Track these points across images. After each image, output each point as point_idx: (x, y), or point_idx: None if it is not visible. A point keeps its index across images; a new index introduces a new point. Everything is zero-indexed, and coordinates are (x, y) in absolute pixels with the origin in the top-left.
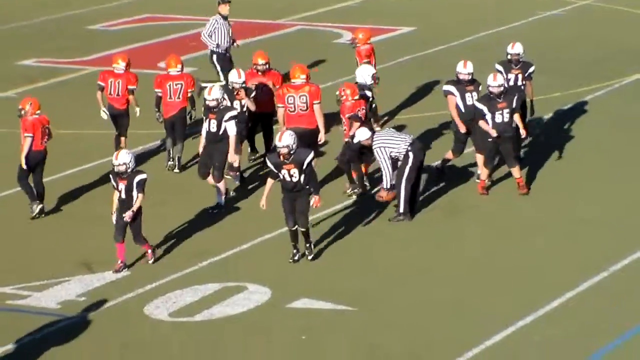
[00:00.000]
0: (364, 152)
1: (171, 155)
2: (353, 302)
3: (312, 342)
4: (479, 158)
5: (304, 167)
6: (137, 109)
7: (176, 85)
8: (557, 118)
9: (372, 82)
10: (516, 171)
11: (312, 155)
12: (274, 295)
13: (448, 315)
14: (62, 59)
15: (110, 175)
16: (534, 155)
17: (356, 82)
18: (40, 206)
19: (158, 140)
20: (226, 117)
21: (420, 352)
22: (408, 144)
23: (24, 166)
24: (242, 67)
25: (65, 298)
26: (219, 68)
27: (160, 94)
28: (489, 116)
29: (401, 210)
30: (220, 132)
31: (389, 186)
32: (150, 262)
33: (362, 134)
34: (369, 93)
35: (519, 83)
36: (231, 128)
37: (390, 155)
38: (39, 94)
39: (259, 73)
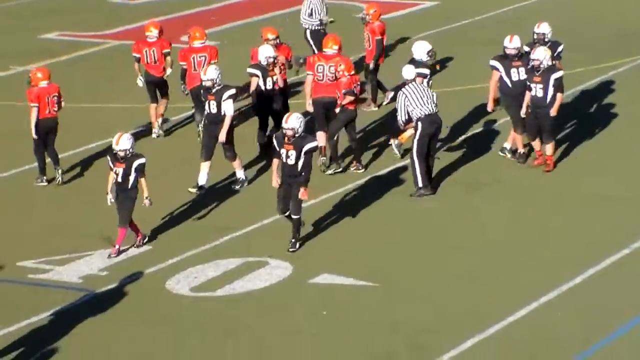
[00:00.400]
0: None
1: (200, 127)
2: (374, 278)
3: (333, 317)
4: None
5: (302, 152)
6: (169, 70)
7: (200, 57)
8: (582, 95)
9: (428, 58)
10: (549, 148)
11: (314, 145)
12: (295, 270)
13: (470, 291)
14: (84, 32)
15: (108, 157)
16: (558, 131)
17: (412, 59)
18: (59, 174)
19: (184, 113)
20: (224, 96)
21: (442, 328)
22: (423, 114)
23: (34, 136)
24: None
25: (87, 272)
26: (313, 44)
27: (185, 67)
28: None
29: (419, 184)
30: (221, 112)
31: (403, 120)
32: (137, 244)
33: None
34: (425, 70)
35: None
36: (228, 108)
37: (407, 110)
38: (61, 68)
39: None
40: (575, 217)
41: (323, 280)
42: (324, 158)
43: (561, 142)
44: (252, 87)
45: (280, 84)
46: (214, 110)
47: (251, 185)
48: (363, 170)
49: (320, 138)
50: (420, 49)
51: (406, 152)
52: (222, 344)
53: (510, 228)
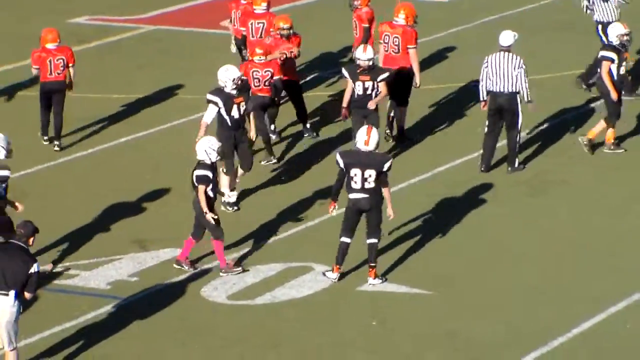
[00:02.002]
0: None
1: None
2: (429, 286)
3: (383, 328)
4: None
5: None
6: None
7: (258, 24)
8: None
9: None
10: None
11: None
12: (342, 276)
13: (534, 300)
14: (116, 17)
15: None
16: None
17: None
18: (56, 144)
19: None
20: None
21: (502, 340)
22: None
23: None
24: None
25: (115, 278)
26: None
27: (244, 32)
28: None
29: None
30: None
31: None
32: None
33: None
34: (612, 55)
35: None
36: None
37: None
38: (91, 54)
39: (284, 38)
40: None
41: (373, 287)
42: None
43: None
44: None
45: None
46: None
47: (290, 188)
48: (274, 161)
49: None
50: (614, 32)
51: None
52: (262, 357)
53: (579, 232)
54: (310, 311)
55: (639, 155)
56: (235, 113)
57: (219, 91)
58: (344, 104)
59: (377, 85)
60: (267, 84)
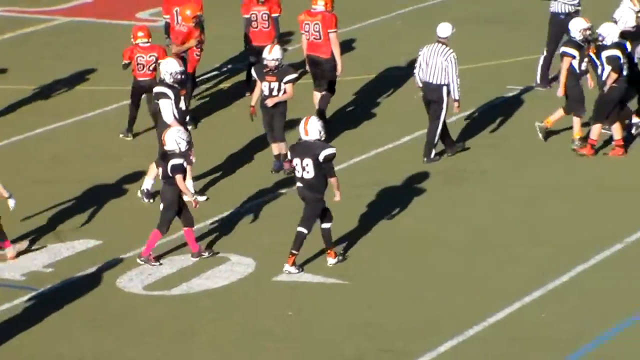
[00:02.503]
0: None
1: None
2: (345, 275)
3: (299, 318)
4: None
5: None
6: None
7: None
8: None
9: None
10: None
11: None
12: (258, 267)
13: (450, 289)
14: (30, 8)
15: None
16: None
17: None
18: None
19: None
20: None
21: (418, 330)
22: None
23: None
24: None
25: (30, 269)
26: None
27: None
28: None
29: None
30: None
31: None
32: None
33: None
34: (573, 51)
35: None
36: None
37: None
38: (4, 46)
39: (259, 2)
40: (565, 209)
41: (289, 277)
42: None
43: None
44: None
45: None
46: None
47: (208, 180)
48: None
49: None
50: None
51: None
52: (177, 347)
53: (496, 222)
54: (226, 301)
55: (555, 145)
56: (182, 105)
57: (166, 84)
58: (252, 103)
59: (284, 87)
60: (150, 68)
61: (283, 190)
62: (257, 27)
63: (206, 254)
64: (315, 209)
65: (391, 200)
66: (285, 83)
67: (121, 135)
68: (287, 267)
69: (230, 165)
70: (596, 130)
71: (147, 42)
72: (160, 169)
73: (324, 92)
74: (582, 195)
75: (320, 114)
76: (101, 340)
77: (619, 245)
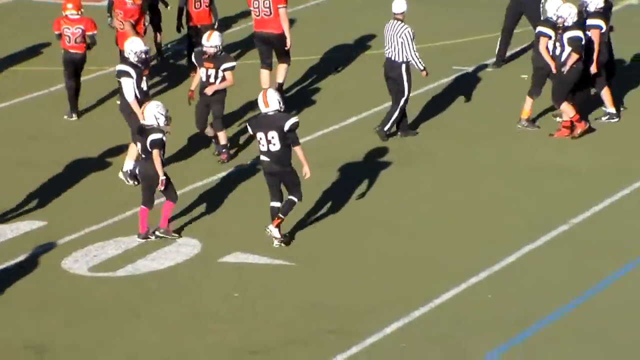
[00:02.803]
0: None
1: None
2: (292, 257)
3: (245, 299)
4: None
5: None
6: None
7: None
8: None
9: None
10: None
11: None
12: (204, 248)
13: (396, 271)
14: None
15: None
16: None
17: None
18: None
19: None
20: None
21: (364, 311)
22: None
23: None
24: None
25: None
26: None
27: None
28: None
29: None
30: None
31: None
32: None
33: None
34: (549, 31)
35: None
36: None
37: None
38: None
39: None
40: (513, 191)
41: (235, 259)
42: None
43: (508, 110)
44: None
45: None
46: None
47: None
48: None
49: None
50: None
51: None
52: (123, 329)
53: (443, 203)
54: (171, 283)
55: (501, 126)
56: (144, 85)
57: (129, 63)
58: (192, 87)
59: (222, 74)
60: (77, 41)
61: (226, 172)
62: (199, 7)
63: (153, 237)
64: (292, 177)
65: (337, 182)
66: (223, 71)
67: (65, 117)
68: (271, 227)
69: (176, 146)
70: (568, 108)
71: (76, 14)
72: (139, 144)
73: (281, 65)
74: (528, 177)
75: (280, 87)
76: (46, 323)
77: (564, 226)
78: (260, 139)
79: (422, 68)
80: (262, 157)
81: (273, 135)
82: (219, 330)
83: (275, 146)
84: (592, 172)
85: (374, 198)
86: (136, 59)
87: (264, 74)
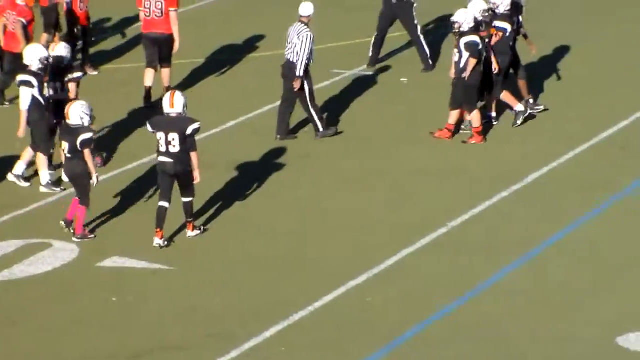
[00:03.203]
0: None
1: None
2: (170, 261)
3: (124, 304)
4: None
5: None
6: None
7: None
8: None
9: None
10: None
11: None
12: (82, 253)
13: (276, 274)
14: None
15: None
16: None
17: None
18: None
19: None
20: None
21: (243, 315)
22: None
23: None
24: None
25: None
26: None
27: None
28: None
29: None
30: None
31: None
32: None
33: None
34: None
35: None
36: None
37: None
38: None
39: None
40: (392, 194)
41: (113, 263)
42: None
43: (388, 113)
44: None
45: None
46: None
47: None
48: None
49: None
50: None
51: None
52: None
53: (321, 206)
54: (49, 288)
55: (379, 130)
56: (46, 92)
57: (31, 72)
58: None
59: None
60: None
61: (106, 176)
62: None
63: (92, 236)
64: (190, 178)
65: (217, 186)
66: (68, 82)
67: None
68: (189, 232)
69: None
70: (477, 116)
71: None
72: (67, 144)
73: (165, 69)
74: (408, 180)
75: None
76: None
77: (443, 229)
78: (160, 139)
79: (299, 75)
80: (162, 158)
81: (174, 137)
82: (97, 336)
83: (175, 148)
84: (471, 176)
85: (253, 201)
86: (39, 67)
87: (149, 73)
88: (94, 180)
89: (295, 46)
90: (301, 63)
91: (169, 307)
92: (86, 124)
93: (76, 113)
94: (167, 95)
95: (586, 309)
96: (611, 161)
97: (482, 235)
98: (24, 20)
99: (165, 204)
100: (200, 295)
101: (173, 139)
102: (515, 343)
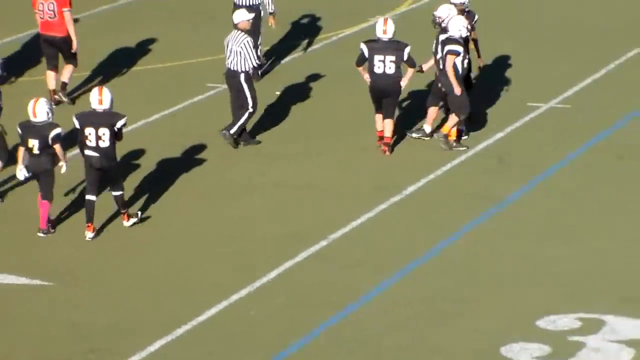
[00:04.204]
0: None
1: None
2: (50, 277)
3: (5, 320)
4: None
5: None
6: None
7: None
8: None
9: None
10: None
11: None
12: None
13: (158, 289)
14: None
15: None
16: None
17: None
18: None
19: None
20: None
21: (126, 329)
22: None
23: None
24: None
25: None
26: None
27: None
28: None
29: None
30: None
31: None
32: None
33: None
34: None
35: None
36: None
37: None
38: None
39: None
40: (267, 207)
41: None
42: None
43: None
44: None
45: None
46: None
47: None
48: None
49: None
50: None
51: None
52: None
53: (202, 218)
54: None
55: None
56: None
57: None
58: None
59: None
60: None
61: None
62: None
63: (53, 230)
64: (119, 171)
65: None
66: None
67: None
68: (125, 223)
69: None
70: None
71: None
72: (36, 141)
73: (68, 65)
74: (289, 193)
75: (64, 86)
76: None
77: (323, 241)
78: (90, 134)
79: (254, 76)
80: (90, 153)
81: (105, 132)
82: None
83: (105, 142)
84: (349, 188)
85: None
86: None
87: (50, 75)
88: (63, 169)
89: (237, 55)
90: (251, 68)
91: (50, 323)
92: (52, 120)
93: (43, 110)
94: (95, 90)
95: (468, 320)
96: (489, 172)
97: (363, 247)
98: None
99: (93, 197)
100: (82, 310)
101: (103, 134)
102: (397, 355)
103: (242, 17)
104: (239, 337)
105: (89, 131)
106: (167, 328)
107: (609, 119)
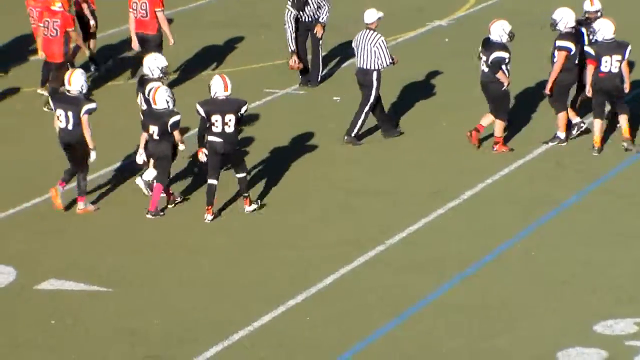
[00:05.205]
0: None
1: None
2: (108, 283)
3: (62, 326)
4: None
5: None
6: None
7: None
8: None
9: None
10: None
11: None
12: (19, 275)
13: (214, 294)
14: None
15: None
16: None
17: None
18: None
19: None
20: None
21: (182, 336)
22: None
23: None
24: None
25: None
26: None
27: None
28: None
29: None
30: None
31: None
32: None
33: None
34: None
35: None
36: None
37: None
38: None
39: None
40: (325, 212)
41: (50, 286)
42: None
43: (322, 131)
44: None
45: None
46: None
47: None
48: None
49: None
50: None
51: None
52: None
53: (254, 226)
54: None
55: (320, 148)
56: None
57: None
58: None
59: None
60: None
61: (39, 199)
62: None
63: (162, 213)
64: (240, 156)
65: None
66: None
67: None
68: (247, 207)
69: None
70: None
71: None
72: (156, 127)
73: None
74: (345, 198)
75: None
76: None
77: (380, 246)
78: (216, 121)
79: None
80: (214, 139)
81: (230, 117)
82: (36, 359)
83: (230, 128)
84: (406, 193)
85: (181, 222)
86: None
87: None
88: (182, 147)
89: (373, 53)
90: (386, 59)
91: (107, 329)
92: (172, 107)
93: (162, 98)
94: (218, 78)
95: (526, 325)
96: (547, 176)
97: (420, 252)
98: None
99: (214, 182)
100: (139, 317)
101: (230, 120)
102: None
103: (374, 16)
104: (295, 343)
105: (216, 118)
106: (222, 334)
107: None
